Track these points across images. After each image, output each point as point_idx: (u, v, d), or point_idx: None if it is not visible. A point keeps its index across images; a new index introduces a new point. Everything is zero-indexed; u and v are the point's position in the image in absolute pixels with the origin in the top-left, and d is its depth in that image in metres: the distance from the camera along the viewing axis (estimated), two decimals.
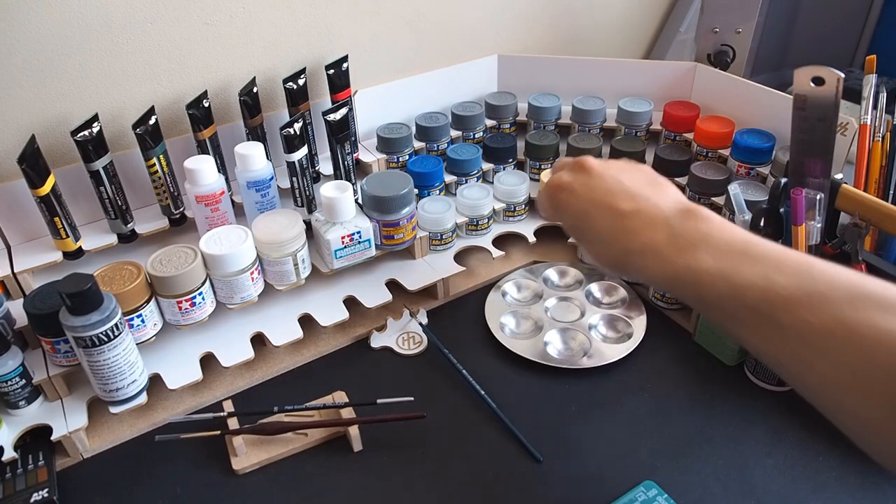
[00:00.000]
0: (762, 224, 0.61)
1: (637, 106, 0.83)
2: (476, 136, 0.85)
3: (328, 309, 0.68)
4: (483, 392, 0.62)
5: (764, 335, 0.38)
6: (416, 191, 0.73)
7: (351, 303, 0.69)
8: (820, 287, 0.37)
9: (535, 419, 0.60)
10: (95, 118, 0.61)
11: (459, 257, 0.76)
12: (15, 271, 0.62)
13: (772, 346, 0.38)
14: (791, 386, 0.40)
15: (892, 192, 0.68)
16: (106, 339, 0.53)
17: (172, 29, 0.67)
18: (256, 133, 0.70)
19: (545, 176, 0.59)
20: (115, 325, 0.53)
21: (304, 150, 0.67)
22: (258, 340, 0.66)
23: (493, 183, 0.82)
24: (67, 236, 0.63)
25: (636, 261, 0.44)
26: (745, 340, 0.40)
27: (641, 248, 0.43)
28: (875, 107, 0.67)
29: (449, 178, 0.81)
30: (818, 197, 0.59)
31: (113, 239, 0.66)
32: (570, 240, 0.80)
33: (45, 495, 0.53)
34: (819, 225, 0.59)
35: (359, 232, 0.67)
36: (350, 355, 0.68)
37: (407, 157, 0.80)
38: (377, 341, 0.69)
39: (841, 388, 0.36)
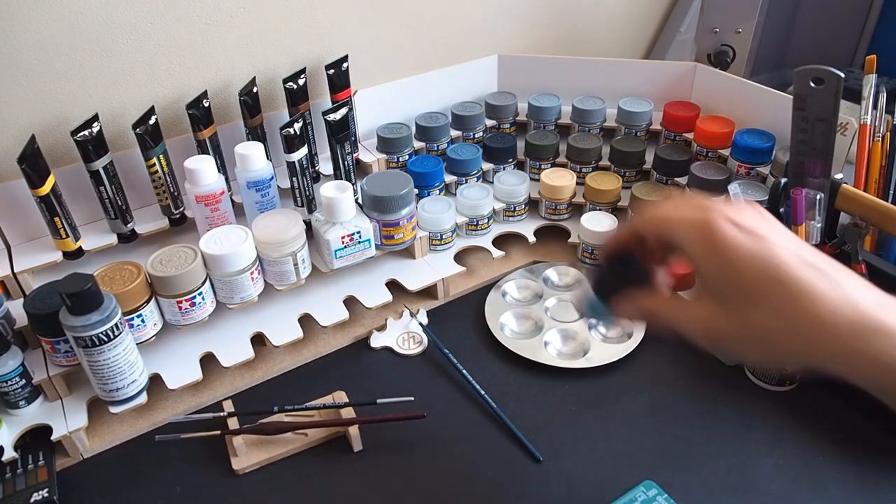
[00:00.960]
0: None
1: (637, 106, 0.83)
2: (476, 136, 0.85)
3: (328, 309, 0.68)
4: (483, 392, 0.62)
5: None
6: (416, 191, 0.73)
7: (351, 303, 0.69)
8: None
9: (535, 419, 0.60)
10: (95, 118, 0.61)
11: (459, 257, 0.76)
12: (15, 271, 0.62)
13: None
14: None
15: (892, 192, 0.68)
16: (106, 339, 0.53)
17: (172, 29, 0.67)
18: (256, 133, 0.70)
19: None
20: (115, 325, 0.53)
21: (304, 150, 0.67)
22: (258, 340, 0.66)
23: (493, 183, 0.82)
24: (67, 236, 0.63)
25: (877, 343, 0.33)
26: None
27: (885, 328, 0.33)
28: (875, 107, 0.67)
29: (449, 178, 0.81)
30: (818, 197, 0.59)
31: (113, 239, 0.66)
32: (569, 240, 0.79)
33: (45, 495, 0.53)
34: (819, 225, 0.59)
35: (359, 232, 0.67)
36: (350, 355, 0.68)
37: (407, 157, 0.80)
38: (377, 341, 0.69)
39: None
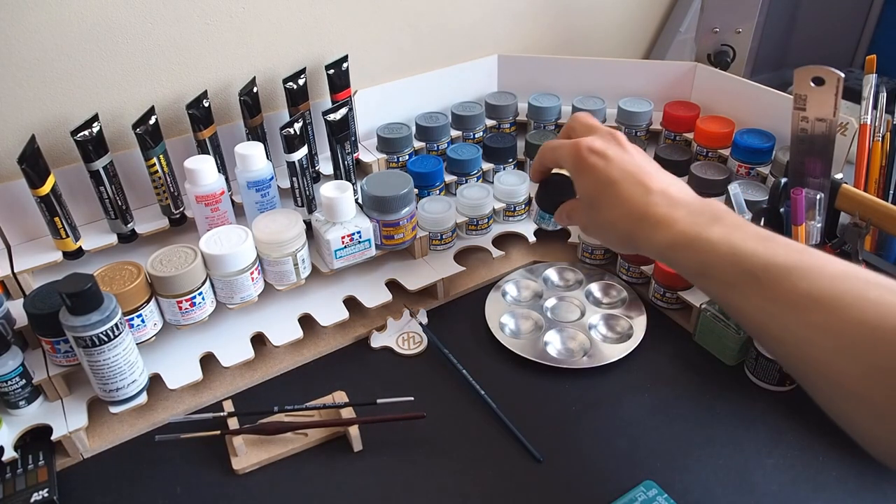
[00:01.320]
0: (762, 224, 0.61)
1: (637, 106, 0.83)
2: (476, 136, 0.85)
3: (328, 309, 0.68)
4: (483, 392, 0.62)
5: (753, 300, 0.42)
6: (416, 191, 0.73)
7: (351, 303, 0.69)
8: (816, 262, 0.41)
9: (535, 419, 0.60)
10: (95, 118, 0.61)
11: (459, 257, 0.76)
12: (15, 271, 0.62)
13: (760, 311, 0.42)
14: (768, 351, 0.45)
15: (892, 192, 0.68)
16: (106, 339, 0.53)
17: (172, 29, 0.67)
18: (256, 133, 0.70)
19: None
20: (115, 325, 0.53)
21: (304, 150, 0.67)
22: (258, 340, 0.66)
23: (493, 183, 0.82)
24: (67, 236, 0.63)
25: (647, 230, 0.47)
26: (735, 305, 0.44)
27: (657, 219, 0.47)
28: (875, 107, 0.67)
29: (449, 178, 0.81)
30: (818, 197, 0.59)
31: (113, 239, 0.66)
32: (569, 239, 0.80)
33: (45, 495, 0.53)
34: (819, 225, 0.59)
35: (359, 232, 0.67)
36: (350, 355, 0.68)
37: (407, 157, 0.80)
38: (377, 341, 0.69)
39: (823, 351, 0.39)
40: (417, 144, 0.81)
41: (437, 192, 0.79)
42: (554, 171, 0.56)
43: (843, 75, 0.55)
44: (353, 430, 0.57)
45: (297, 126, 0.66)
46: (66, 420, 0.57)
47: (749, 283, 0.42)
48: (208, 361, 0.63)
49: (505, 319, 0.70)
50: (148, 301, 0.58)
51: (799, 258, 0.41)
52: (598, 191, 0.50)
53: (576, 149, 0.51)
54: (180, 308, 0.60)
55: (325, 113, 0.69)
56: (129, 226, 0.66)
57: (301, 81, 0.72)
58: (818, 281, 0.40)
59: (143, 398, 0.59)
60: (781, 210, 0.62)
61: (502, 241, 0.80)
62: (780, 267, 0.41)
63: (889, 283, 0.39)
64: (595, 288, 0.74)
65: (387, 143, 0.79)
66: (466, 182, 0.81)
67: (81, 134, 0.60)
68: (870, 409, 0.38)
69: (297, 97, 0.72)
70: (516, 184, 0.79)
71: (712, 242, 0.44)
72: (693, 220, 0.46)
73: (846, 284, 0.39)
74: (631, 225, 0.48)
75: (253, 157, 0.65)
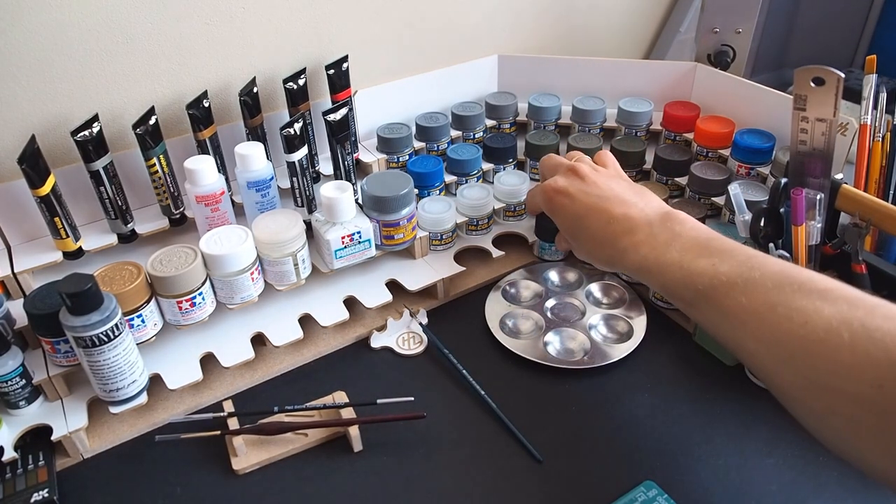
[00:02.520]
0: (762, 224, 0.61)
1: (637, 106, 0.83)
2: (476, 136, 0.85)
3: (328, 309, 0.68)
4: (483, 392, 0.62)
5: (710, 317, 0.46)
6: (416, 191, 0.73)
7: (351, 303, 0.69)
8: (755, 274, 0.43)
9: (535, 419, 0.60)
10: (95, 118, 0.61)
11: (459, 257, 0.76)
12: (15, 271, 0.62)
13: (716, 327, 0.45)
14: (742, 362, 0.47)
15: (892, 192, 0.68)
16: (106, 339, 0.53)
17: (172, 29, 0.67)
18: (256, 133, 0.70)
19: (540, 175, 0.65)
20: (115, 325, 0.53)
21: (304, 150, 0.67)
22: (258, 340, 0.66)
23: (493, 183, 0.82)
24: (67, 236, 0.63)
25: (617, 257, 0.52)
26: (699, 322, 0.48)
27: (625, 247, 0.52)
28: (875, 107, 0.67)
29: (449, 178, 0.81)
30: (818, 197, 0.59)
31: (113, 239, 0.66)
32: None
33: (45, 495, 0.53)
34: (819, 225, 0.59)
35: (359, 232, 0.67)
36: (350, 355, 0.68)
37: (407, 157, 0.80)
38: (377, 341, 0.69)
39: (768, 361, 0.42)
40: (417, 144, 0.81)
41: (437, 192, 0.79)
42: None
43: (843, 75, 0.54)
44: (353, 431, 0.57)
45: (297, 126, 0.66)
46: (66, 420, 0.57)
47: (701, 301, 0.46)
48: (208, 361, 0.63)
49: (505, 319, 0.70)
50: (148, 301, 0.58)
51: (741, 272, 0.44)
52: (570, 228, 0.56)
53: (544, 193, 0.58)
54: (180, 308, 0.60)
55: (325, 113, 0.69)
56: (129, 226, 0.66)
57: (301, 81, 0.72)
58: (756, 293, 0.42)
59: (143, 398, 0.59)
60: (781, 210, 0.62)
61: (502, 241, 0.80)
62: (724, 284, 0.44)
63: (822, 284, 0.41)
64: (595, 288, 0.74)
65: (387, 143, 0.79)
66: (466, 182, 0.81)
67: (81, 134, 0.60)
68: (815, 417, 0.40)
69: (297, 97, 0.72)
70: (516, 184, 0.79)
71: (669, 265, 0.48)
72: (653, 242, 0.50)
73: (781, 294, 0.41)
74: (605, 252, 0.54)
75: (253, 157, 0.65)
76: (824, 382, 0.38)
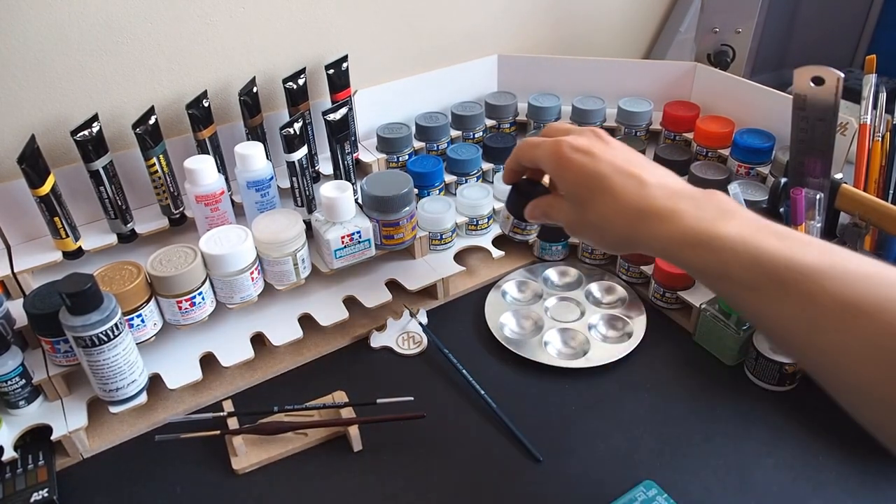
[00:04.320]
0: None
1: (637, 106, 0.83)
2: (476, 136, 0.85)
3: (328, 309, 0.68)
4: (483, 392, 0.62)
5: (781, 305, 0.39)
6: (416, 191, 0.73)
7: (351, 303, 0.69)
8: (844, 263, 0.38)
9: (535, 419, 0.60)
10: (95, 118, 0.61)
11: (459, 257, 0.76)
12: (15, 271, 0.62)
13: (787, 317, 0.39)
14: (791, 356, 0.42)
15: (892, 191, 0.68)
16: (106, 339, 0.53)
17: (172, 29, 0.67)
18: (256, 133, 0.70)
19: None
20: (115, 325, 0.53)
21: (304, 150, 0.67)
22: (258, 340, 0.66)
23: (493, 183, 0.82)
24: (67, 236, 0.63)
25: (648, 225, 0.43)
26: (755, 309, 0.40)
27: (662, 211, 0.43)
28: (875, 107, 0.67)
29: (449, 178, 0.81)
30: (818, 197, 0.59)
31: (113, 239, 0.66)
32: (570, 239, 0.80)
33: (45, 495, 0.53)
34: (819, 225, 0.59)
35: (359, 232, 0.67)
36: (350, 355, 0.68)
37: (407, 157, 0.80)
38: (377, 341, 0.69)
39: (855, 358, 0.36)
40: (417, 144, 0.81)
41: (437, 192, 0.79)
42: (524, 178, 0.55)
43: (843, 75, 0.54)
44: (353, 430, 0.57)
45: (297, 126, 0.66)
46: (66, 420, 0.57)
47: (773, 287, 0.39)
48: (208, 361, 0.63)
49: (505, 319, 0.70)
50: (148, 301, 0.58)
51: (826, 259, 0.38)
52: (586, 188, 0.47)
53: (557, 147, 0.48)
54: (180, 308, 0.60)
55: (325, 113, 0.69)
56: (128, 226, 0.66)
57: (301, 81, 0.72)
58: (851, 285, 0.37)
59: (143, 398, 0.59)
60: (781, 210, 0.62)
61: (502, 241, 0.80)
62: (807, 269, 0.38)
63: None
64: (595, 288, 0.74)
65: (387, 143, 0.79)
66: (466, 182, 0.81)
67: (81, 134, 0.60)
68: None
69: (297, 97, 0.72)
70: None
71: (727, 240, 0.40)
72: (700, 213, 0.42)
73: (880, 289, 0.36)
74: (629, 220, 0.44)
75: (253, 157, 0.65)
76: None
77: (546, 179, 0.55)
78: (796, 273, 0.38)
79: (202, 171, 0.63)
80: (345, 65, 0.74)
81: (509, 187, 0.56)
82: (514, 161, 0.53)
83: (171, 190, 0.67)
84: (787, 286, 0.38)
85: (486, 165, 0.83)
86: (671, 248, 0.43)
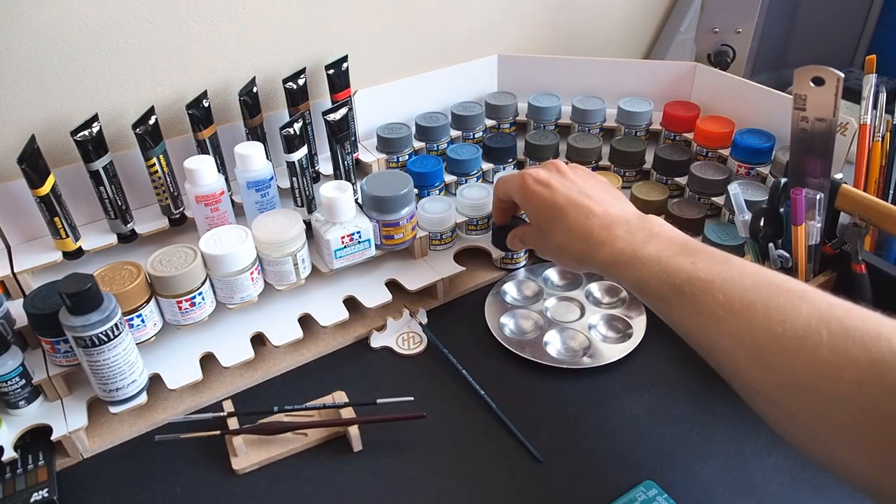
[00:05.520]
0: (762, 224, 0.61)
1: (637, 106, 0.83)
2: (476, 136, 0.85)
3: (328, 309, 0.68)
4: (483, 392, 0.62)
5: (683, 314, 0.46)
6: (416, 191, 0.73)
7: (351, 303, 0.69)
8: (733, 273, 0.44)
9: (535, 419, 0.60)
10: (95, 118, 0.61)
11: (459, 257, 0.76)
12: (15, 271, 0.62)
13: (688, 324, 0.46)
14: (705, 358, 0.46)
15: (892, 191, 0.68)
16: (106, 339, 0.53)
17: (172, 29, 0.67)
18: (256, 133, 0.70)
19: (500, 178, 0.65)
20: (115, 325, 0.53)
21: (304, 150, 0.67)
22: (258, 340, 0.66)
23: (493, 183, 0.82)
24: (67, 236, 0.63)
25: (592, 250, 0.52)
26: (667, 317, 0.48)
27: (600, 239, 0.51)
28: (875, 107, 0.67)
29: (449, 178, 0.81)
30: (818, 197, 0.59)
31: (113, 239, 0.66)
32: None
33: (45, 495, 0.53)
34: (819, 225, 0.59)
35: (359, 232, 0.67)
36: (350, 355, 0.68)
37: (407, 157, 0.80)
38: (377, 341, 0.69)
39: (741, 359, 0.42)
40: (417, 144, 0.81)
41: (437, 192, 0.79)
42: (512, 217, 0.67)
43: (843, 75, 0.54)
44: (353, 430, 0.57)
45: (297, 126, 0.66)
46: (66, 420, 0.57)
47: (676, 297, 0.45)
48: (208, 361, 0.63)
49: (505, 319, 0.70)
50: (148, 301, 0.58)
51: (719, 270, 0.44)
52: (546, 217, 0.56)
53: (521, 180, 0.58)
54: (180, 308, 0.60)
55: (325, 113, 0.69)
56: (128, 226, 0.66)
57: (301, 81, 0.72)
58: (733, 291, 0.43)
59: (143, 398, 0.59)
60: (781, 210, 0.62)
61: None
62: (702, 280, 0.44)
63: (799, 286, 0.41)
64: (595, 288, 0.74)
65: (387, 143, 0.79)
66: (466, 182, 0.81)
67: (81, 134, 0.60)
68: (787, 415, 0.40)
69: (297, 97, 0.72)
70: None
71: (646, 259, 0.48)
72: (631, 238, 0.50)
73: (758, 293, 0.42)
74: (579, 246, 0.53)
75: (253, 157, 0.65)
76: (800, 381, 0.38)
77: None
78: (693, 285, 0.45)
79: (202, 171, 0.63)
80: (345, 65, 0.74)
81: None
82: (495, 196, 0.65)
83: (171, 190, 0.67)
84: (686, 296, 0.45)
85: (486, 165, 0.83)
86: (607, 268, 0.51)
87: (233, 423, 0.58)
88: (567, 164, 0.60)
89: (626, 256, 0.49)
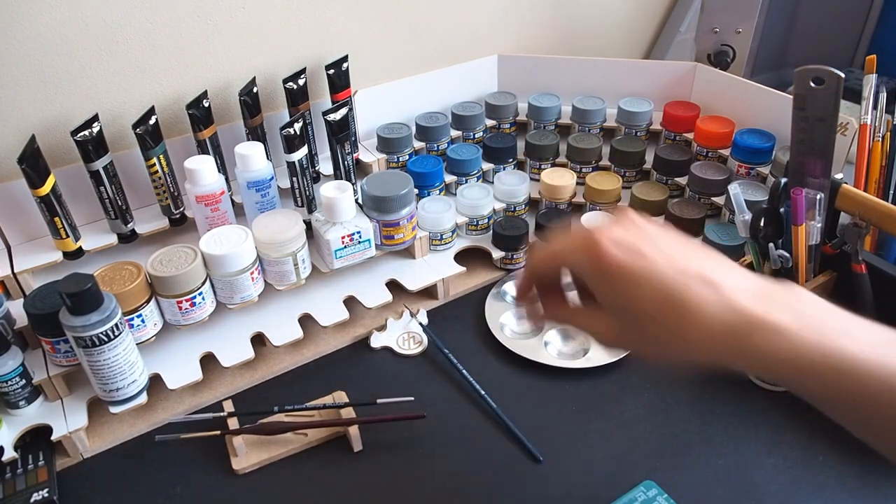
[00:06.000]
0: (762, 224, 0.61)
1: (637, 106, 0.83)
2: (476, 136, 0.85)
3: (328, 309, 0.68)
4: (483, 392, 0.62)
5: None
6: (416, 191, 0.73)
7: (351, 303, 0.69)
8: None
9: (535, 419, 0.60)
10: (95, 118, 0.61)
11: (459, 257, 0.76)
12: (15, 271, 0.62)
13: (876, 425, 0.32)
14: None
15: (892, 191, 0.68)
16: (106, 339, 0.53)
17: (172, 29, 0.67)
18: (256, 133, 0.70)
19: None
20: (115, 325, 0.53)
21: (304, 150, 0.67)
22: (258, 340, 0.66)
23: (493, 183, 0.82)
24: (67, 236, 0.63)
25: (755, 342, 0.34)
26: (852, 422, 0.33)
27: (761, 324, 0.34)
28: (875, 107, 0.67)
29: (449, 178, 0.81)
30: (818, 197, 0.59)
31: (113, 239, 0.66)
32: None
33: (45, 495, 0.53)
34: (819, 225, 0.59)
35: (359, 232, 0.67)
36: (350, 355, 0.68)
37: (407, 157, 0.80)
38: (377, 341, 0.69)
39: None
40: (417, 144, 0.81)
41: (437, 192, 0.79)
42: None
43: (843, 75, 0.54)
44: (353, 430, 0.57)
45: (297, 126, 0.66)
46: (66, 420, 0.57)
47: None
48: (208, 361, 0.63)
49: (505, 319, 0.70)
50: (148, 301, 0.58)
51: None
52: (646, 303, 0.36)
53: (593, 244, 0.37)
54: (180, 308, 0.60)
55: (325, 113, 0.69)
56: (129, 226, 0.66)
57: (301, 81, 0.72)
58: None
59: (143, 398, 0.59)
60: (781, 210, 0.62)
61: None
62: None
63: None
64: None
65: (387, 143, 0.79)
66: (466, 182, 0.81)
67: (81, 134, 0.60)
68: None
69: (297, 97, 0.72)
70: (516, 184, 0.79)
71: (857, 364, 0.32)
72: (805, 324, 0.33)
73: None
74: (720, 343, 0.35)
75: (253, 157, 0.65)
76: None
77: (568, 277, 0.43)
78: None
79: (202, 171, 0.63)
80: (345, 65, 0.74)
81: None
82: (529, 274, 0.42)
83: (172, 190, 0.67)
84: None
85: (486, 166, 0.83)
86: (777, 368, 0.34)
87: (233, 423, 0.58)
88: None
89: (812, 357, 0.33)
